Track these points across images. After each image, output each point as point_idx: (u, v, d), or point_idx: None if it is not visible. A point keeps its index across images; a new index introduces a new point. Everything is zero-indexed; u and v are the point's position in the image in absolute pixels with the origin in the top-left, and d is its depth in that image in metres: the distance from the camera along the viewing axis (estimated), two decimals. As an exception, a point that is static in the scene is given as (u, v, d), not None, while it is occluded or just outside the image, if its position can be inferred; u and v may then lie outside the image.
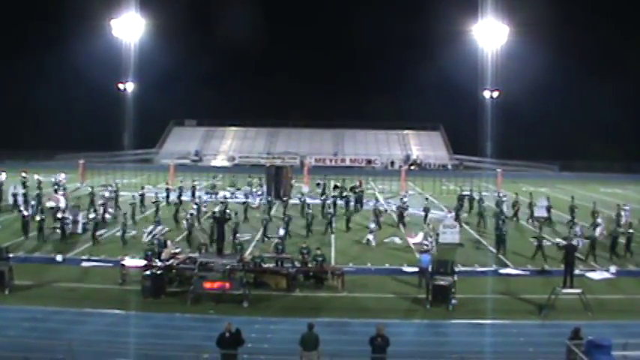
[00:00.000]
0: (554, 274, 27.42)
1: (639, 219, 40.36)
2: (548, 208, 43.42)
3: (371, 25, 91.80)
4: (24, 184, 48.11)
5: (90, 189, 46.52)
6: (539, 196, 47.47)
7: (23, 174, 50.79)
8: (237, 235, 32.84)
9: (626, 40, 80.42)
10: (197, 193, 48.27)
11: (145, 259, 25.87)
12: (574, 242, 27.54)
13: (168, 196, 46.41)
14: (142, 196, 44.24)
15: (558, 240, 33.19)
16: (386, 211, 44.33)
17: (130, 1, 66.74)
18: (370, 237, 34.93)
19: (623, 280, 28.33)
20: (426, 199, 45.74)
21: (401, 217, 41.04)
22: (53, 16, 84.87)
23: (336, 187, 51.78)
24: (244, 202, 43.69)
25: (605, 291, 26.30)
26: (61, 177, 51.87)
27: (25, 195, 44.31)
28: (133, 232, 35.79)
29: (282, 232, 32.55)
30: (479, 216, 41.98)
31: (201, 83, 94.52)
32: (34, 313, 22.14)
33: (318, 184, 53.10)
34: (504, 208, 42.74)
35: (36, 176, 50.04)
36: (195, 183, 50.88)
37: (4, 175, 50.16)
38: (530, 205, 43.67)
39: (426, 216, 39.99)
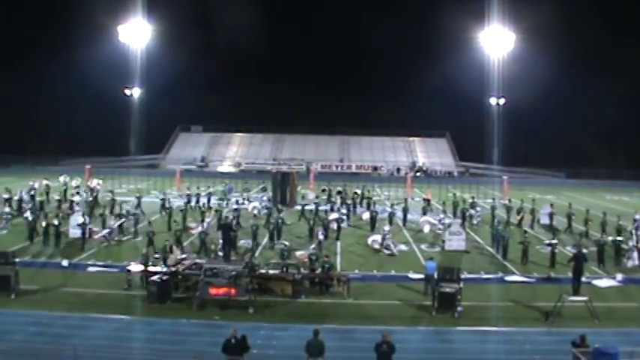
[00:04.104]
0: (561, 282, 27.38)
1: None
2: (551, 215, 43.52)
3: (377, 32, 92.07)
4: (65, 191, 49.61)
5: (110, 194, 46.75)
6: (544, 204, 47.45)
7: (60, 178, 52.91)
8: (257, 239, 33.69)
9: (632, 47, 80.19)
10: (202, 200, 48.63)
11: (144, 264, 26.02)
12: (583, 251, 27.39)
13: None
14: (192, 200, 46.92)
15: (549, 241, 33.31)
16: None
17: (136, 7, 67.00)
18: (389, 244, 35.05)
19: (630, 287, 28.22)
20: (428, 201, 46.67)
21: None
22: (60, 21, 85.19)
23: (339, 192, 51.82)
24: (268, 208, 43.59)
25: (611, 298, 26.22)
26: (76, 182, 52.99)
27: (32, 198, 44.80)
28: (139, 239, 35.97)
29: (321, 236, 32.78)
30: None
31: (208, 89, 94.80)
32: (39, 317, 22.16)
33: (323, 190, 53.21)
34: (501, 213, 43.70)
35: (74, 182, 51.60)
36: (201, 190, 51.01)
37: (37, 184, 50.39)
38: (533, 212, 44.45)
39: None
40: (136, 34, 68.88)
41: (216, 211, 41.48)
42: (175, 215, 39.92)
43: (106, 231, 35.49)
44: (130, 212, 40.00)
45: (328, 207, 46.47)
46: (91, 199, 46.82)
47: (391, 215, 41.77)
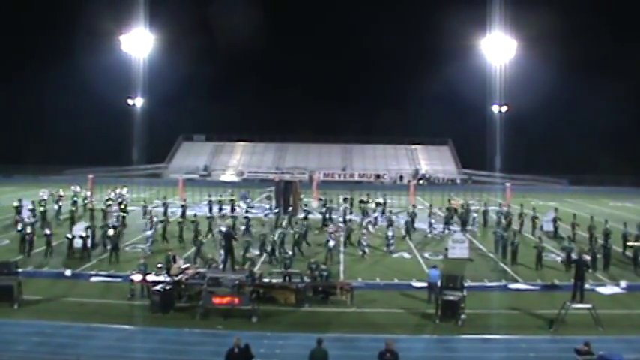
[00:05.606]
0: (564, 289, 27.24)
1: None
2: (554, 221, 43.43)
3: (379, 40, 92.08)
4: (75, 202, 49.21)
5: (143, 203, 46.68)
6: (547, 210, 47.42)
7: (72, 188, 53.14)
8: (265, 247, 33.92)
9: (634, 53, 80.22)
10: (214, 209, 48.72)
11: (143, 273, 26.08)
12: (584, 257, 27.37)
13: (184, 212, 46.18)
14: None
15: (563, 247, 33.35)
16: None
17: (139, 16, 66.99)
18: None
19: (635, 294, 28.14)
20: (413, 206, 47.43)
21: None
22: (63, 30, 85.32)
23: (362, 201, 51.84)
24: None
25: (615, 305, 26.15)
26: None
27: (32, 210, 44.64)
28: (142, 246, 36.02)
29: (332, 243, 33.22)
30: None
31: (210, 98, 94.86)
32: (43, 327, 22.15)
33: (345, 199, 53.23)
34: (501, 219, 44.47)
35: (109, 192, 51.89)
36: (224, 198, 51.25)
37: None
38: (521, 215, 44.65)
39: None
40: (138, 43, 68.95)
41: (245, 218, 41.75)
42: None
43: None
44: (159, 221, 40.19)
45: (354, 216, 46.62)
46: (122, 210, 46.50)
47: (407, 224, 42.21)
